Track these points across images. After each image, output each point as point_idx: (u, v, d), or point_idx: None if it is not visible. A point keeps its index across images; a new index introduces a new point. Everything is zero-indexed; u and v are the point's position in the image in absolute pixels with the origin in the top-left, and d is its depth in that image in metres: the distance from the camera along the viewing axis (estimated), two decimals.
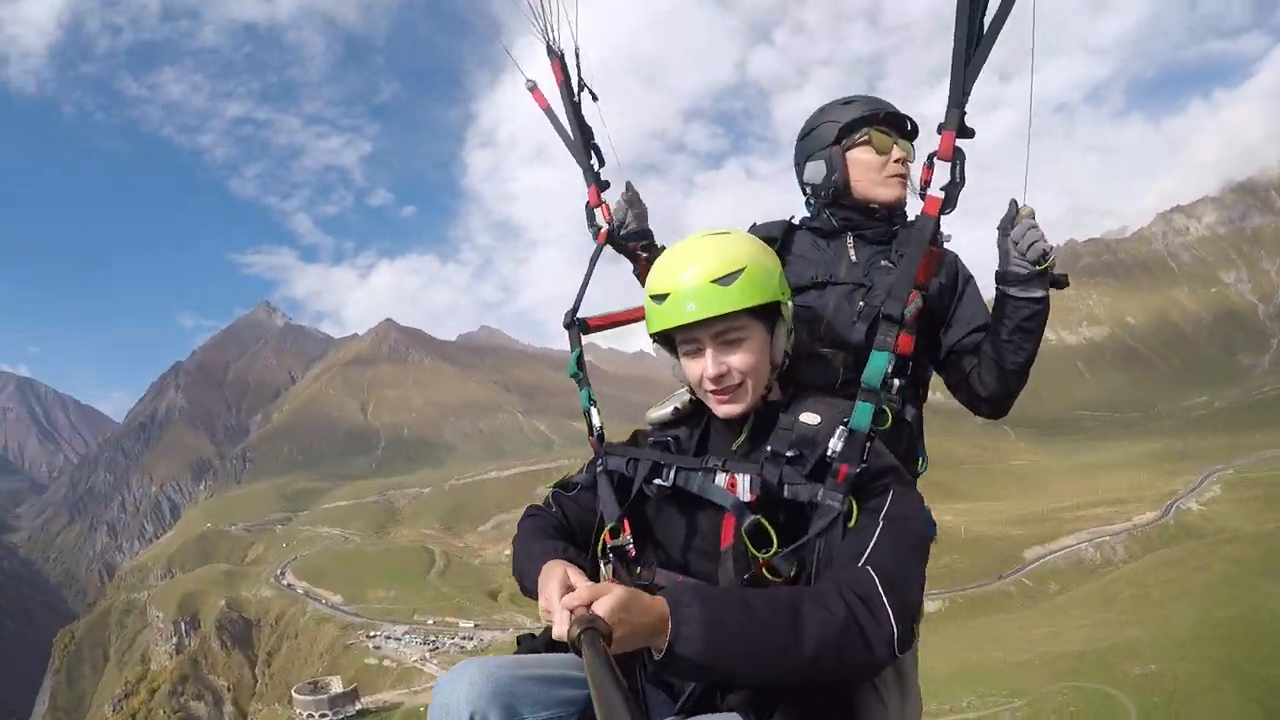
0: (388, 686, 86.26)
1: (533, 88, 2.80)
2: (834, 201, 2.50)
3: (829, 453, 1.71)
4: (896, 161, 2.42)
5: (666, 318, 1.83)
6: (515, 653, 1.88)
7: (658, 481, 1.92)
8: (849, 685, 1.70)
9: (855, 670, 1.49)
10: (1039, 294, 2.13)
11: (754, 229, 2.64)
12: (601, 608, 1.33)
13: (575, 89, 2.73)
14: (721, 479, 1.81)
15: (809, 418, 1.82)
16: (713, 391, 1.87)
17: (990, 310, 2.38)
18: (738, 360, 1.83)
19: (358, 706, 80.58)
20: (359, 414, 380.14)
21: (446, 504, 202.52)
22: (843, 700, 1.70)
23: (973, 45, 1.97)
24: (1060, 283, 2.17)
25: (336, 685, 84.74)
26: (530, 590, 1.76)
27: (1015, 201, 2.11)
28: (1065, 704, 44.45)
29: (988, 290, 2.42)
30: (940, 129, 2.03)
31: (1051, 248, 2.10)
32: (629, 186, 2.74)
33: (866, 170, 2.44)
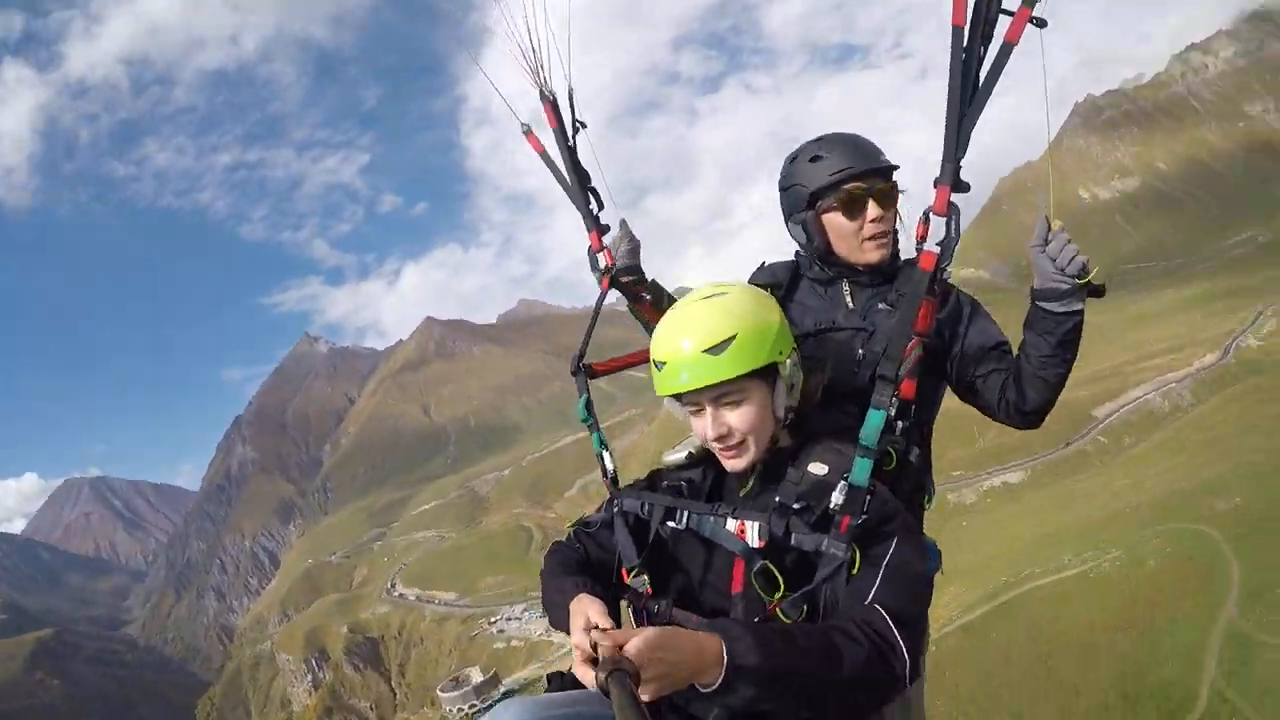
0: (521, 665, 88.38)
1: (527, 132, 2.80)
2: (821, 258, 2.44)
3: (832, 506, 1.74)
4: (873, 222, 2.30)
5: (664, 385, 1.89)
6: (546, 690, 1.92)
7: (671, 524, 1.97)
8: (881, 704, 1.73)
9: (884, 691, 1.60)
10: (1079, 307, 2.08)
11: (761, 271, 2.66)
12: (631, 649, 1.35)
13: (570, 133, 2.72)
14: (732, 525, 1.85)
15: (816, 468, 1.86)
16: (717, 449, 1.94)
17: (997, 328, 2.39)
18: (737, 420, 1.87)
19: (502, 689, 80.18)
20: (423, 416, 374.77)
21: (528, 480, 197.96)
22: None
23: (967, 100, 1.93)
24: (1099, 292, 2.08)
25: (477, 675, 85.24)
26: (560, 624, 1.81)
27: (1047, 218, 2.04)
28: (1161, 546, 44.48)
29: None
30: (936, 183, 1.98)
31: (1088, 259, 2.01)
32: (624, 224, 2.76)
33: (842, 235, 2.35)
